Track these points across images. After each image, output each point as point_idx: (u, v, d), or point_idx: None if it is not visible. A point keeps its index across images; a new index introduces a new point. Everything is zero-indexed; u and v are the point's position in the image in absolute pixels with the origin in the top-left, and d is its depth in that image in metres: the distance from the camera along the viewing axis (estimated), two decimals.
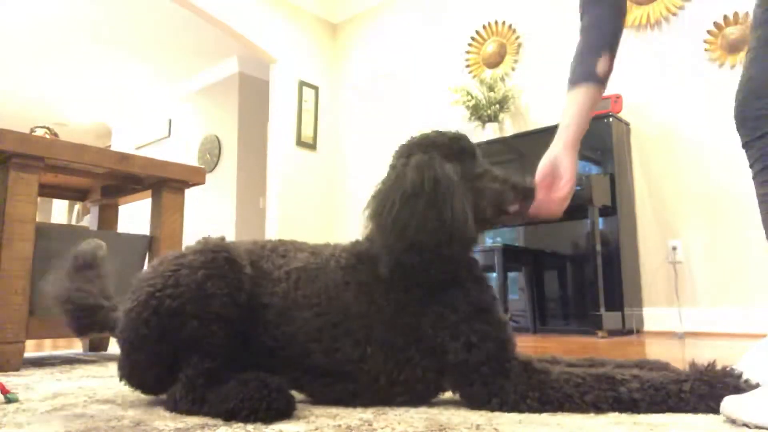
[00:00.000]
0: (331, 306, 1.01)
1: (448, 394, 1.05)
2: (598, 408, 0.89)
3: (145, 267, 2.07)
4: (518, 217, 1.06)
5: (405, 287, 0.99)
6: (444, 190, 0.96)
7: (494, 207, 1.02)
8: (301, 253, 1.11)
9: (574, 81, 1.21)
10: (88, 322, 1.13)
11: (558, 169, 1.14)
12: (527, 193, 1.02)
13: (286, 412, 0.88)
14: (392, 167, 1.06)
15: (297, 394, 1.06)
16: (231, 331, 0.98)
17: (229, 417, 0.88)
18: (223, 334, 0.97)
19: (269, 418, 0.87)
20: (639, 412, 0.88)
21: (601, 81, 1.20)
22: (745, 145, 1.07)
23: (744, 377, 0.89)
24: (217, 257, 1.01)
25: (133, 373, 1.04)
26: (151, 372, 1.01)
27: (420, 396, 1.00)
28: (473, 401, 0.96)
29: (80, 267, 1.17)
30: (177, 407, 0.95)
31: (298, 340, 1.00)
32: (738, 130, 1.08)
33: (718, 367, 0.90)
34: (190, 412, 0.93)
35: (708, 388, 0.88)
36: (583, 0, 1.26)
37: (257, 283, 1.05)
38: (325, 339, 0.99)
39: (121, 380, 1.05)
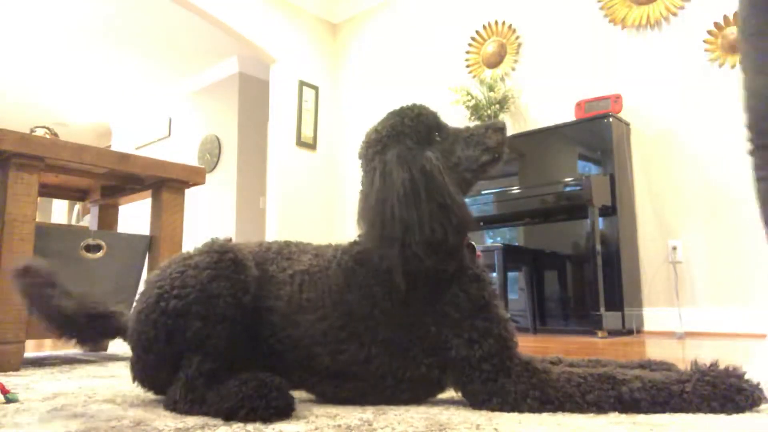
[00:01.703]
0: (335, 309, 1.01)
1: (447, 394, 1.05)
2: (600, 408, 0.89)
3: (145, 267, 2.07)
4: (496, 164, 1.08)
5: (407, 287, 0.98)
6: (437, 180, 0.97)
7: (473, 170, 1.06)
8: (305, 255, 1.11)
9: None
10: (102, 330, 1.13)
11: None
12: (498, 141, 1.05)
13: (285, 411, 0.88)
14: (370, 169, 1.03)
15: (302, 394, 1.06)
16: (235, 332, 0.99)
17: (228, 416, 0.88)
18: (227, 335, 0.98)
19: (268, 417, 0.86)
20: (641, 412, 0.88)
21: None
22: (759, 148, 1.07)
23: (747, 377, 0.88)
24: (223, 258, 1.02)
25: (144, 374, 1.05)
26: (162, 373, 1.01)
27: (425, 393, 1.01)
28: (474, 399, 0.96)
29: (43, 284, 1.10)
30: (176, 407, 0.95)
31: (303, 344, 1.01)
32: (753, 136, 1.08)
33: (721, 367, 0.89)
34: (189, 413, 0.93)
35: (711, 388, 0.86)
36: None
37: (263, 285, 1.06)
38: (330, 342, 1.00)
39: (134, 381, 1.06)
